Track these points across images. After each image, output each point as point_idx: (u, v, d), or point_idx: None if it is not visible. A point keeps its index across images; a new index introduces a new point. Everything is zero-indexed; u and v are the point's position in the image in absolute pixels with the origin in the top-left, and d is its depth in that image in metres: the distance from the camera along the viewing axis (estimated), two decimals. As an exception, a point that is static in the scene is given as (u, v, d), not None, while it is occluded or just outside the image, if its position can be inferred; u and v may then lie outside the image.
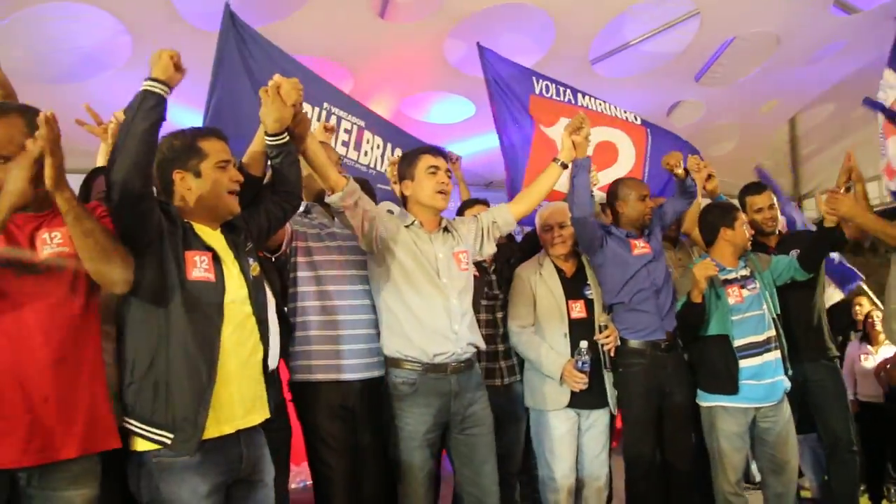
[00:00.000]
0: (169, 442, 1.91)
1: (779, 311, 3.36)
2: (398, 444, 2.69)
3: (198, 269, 2.03)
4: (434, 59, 5.68)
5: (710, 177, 3.69)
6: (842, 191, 3.35)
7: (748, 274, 3.37)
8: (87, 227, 1.85)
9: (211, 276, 2.04)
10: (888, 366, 4.96)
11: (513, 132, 4.23)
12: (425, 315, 2.68)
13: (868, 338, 5.51)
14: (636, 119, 4.53)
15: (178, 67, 1.97)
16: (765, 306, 3.30)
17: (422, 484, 2.68)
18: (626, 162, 4.42)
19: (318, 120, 3.73)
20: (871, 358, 5.38)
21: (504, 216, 2.98)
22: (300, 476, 4.82)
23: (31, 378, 1.81)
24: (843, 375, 3.89)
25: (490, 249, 3.00)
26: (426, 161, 2.80)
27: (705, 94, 6.91)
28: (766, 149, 8.09)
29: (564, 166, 3.08)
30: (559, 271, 3.34)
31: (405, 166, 2.86)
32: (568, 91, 4.38)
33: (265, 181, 2.45)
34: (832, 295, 4.84)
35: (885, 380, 4.95)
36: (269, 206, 2.37)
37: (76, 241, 1.87)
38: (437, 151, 2.86)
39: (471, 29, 5.35)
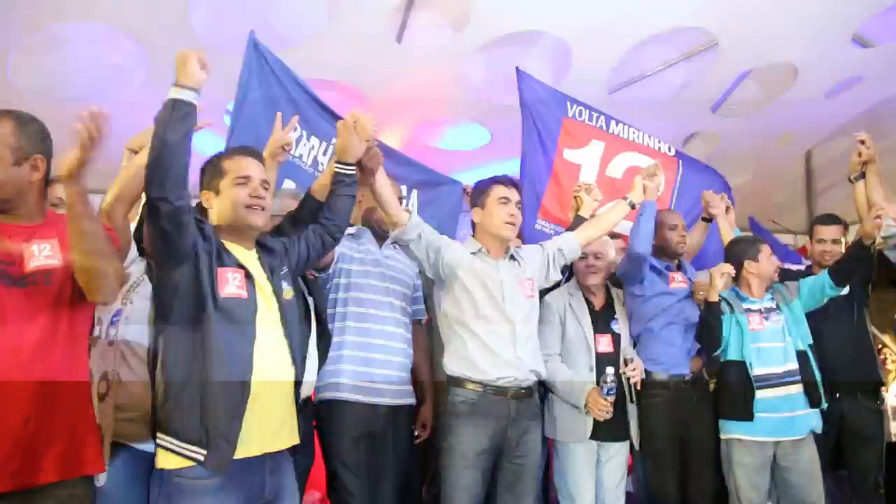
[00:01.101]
0: (202, 458, 1.88)
1: (811, 342, 3.28)
2: (448, 463, 2.67)
3: (230, 285, 2.02)
4: (450, 86, 5.67)
5: (728, 209, 3.69)
6: (853, 177, 3.44)
7: (773, 306, 3.34)
8: (87, 227, 1.83)
9: (244, 294, 2.03)
10: None
11: (538, 158, 4.20)
12: (490, 339, 2.72)
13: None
14: (670, 150, 4.50)
15: (203, 65, 1.93)
16: (788, 339, 3.24)
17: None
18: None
19: (325, 154, 3.75)
20: (890, 395, 5.28)
21: (569, 244, 3.03)
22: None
23: (13, 397, 1.75)
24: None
25: (556, 276, 3.04)
26: (498, 191, 2.86)
27: (722, 126, 6.87)
28: (780, 182, 8.03)
29: (632, 206, 3.17)
30: (589, 303, 3.32)
31: (477, 194, 2.92)
32: (602, 117, 4.38)
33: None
34: None
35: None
36: (311, 236, 2.39)
37: (73, 238, 1.83)
38: (511, 182, 2.93)
39: (488, 56, 5.35)
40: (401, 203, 2.96)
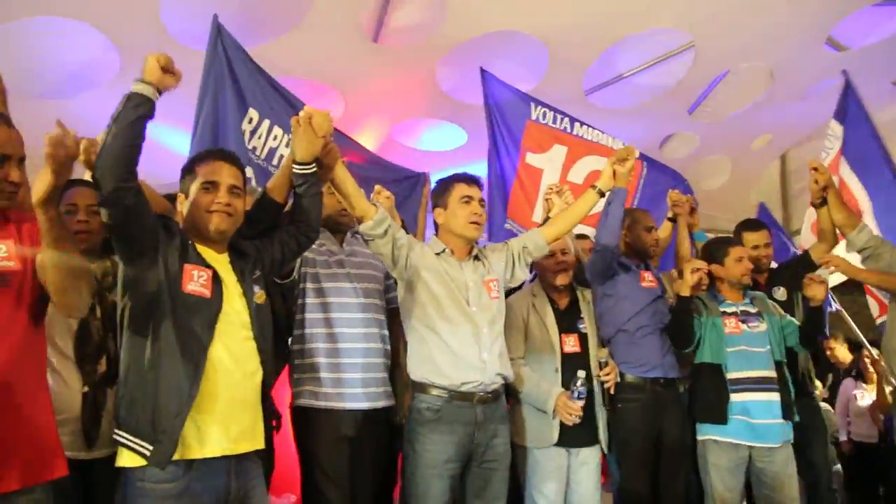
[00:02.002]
0: (148, 453, 1.85)
1: (784, 359, 3.27)
2: (415, 472, 2.60)
3: (194, 283, 1.99)
4: (427, 86, 5.65)
5: (692, 211, 3.69)
6: (818, 203, 3.49)
7: (753, 311, 3.31)
8: (63, 252, 1.82)
9: (207, 292, 2.00)
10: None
11: (504, 160, 4.22)
12: (454, 343, 2.64)
13: (862, 377, 5.46)
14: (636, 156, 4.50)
15: (169, 71, 1.94)
16: (767, 347, 3.22)
17: None
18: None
19: (287, 146, 3.70)
20: (868, 396, 5.33)
21: (535, 240, 2.92)
22: (279, 509, 4.68)
23: None
24: (833, 415, 3.85)
25: (522, 275, 2.94)
26: (460, 190, 2.78)
27: (698, 128, 6.92)
28: (757, 184, 8.10)
29: (601, 194, 3.02)
30: (553, 303, 3.26)
31: (438, 194, 2.84)
32: (566, 119, 4.38)
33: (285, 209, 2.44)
34: None
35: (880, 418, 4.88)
36: (285, 237, 2.34)
37: (49, 261, 1.82)
38: (472, 180, 2.83)
39: (464, 56, 5.33)
40: None
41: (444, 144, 6.62)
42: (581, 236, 3.69)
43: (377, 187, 3.13)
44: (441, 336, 2.64)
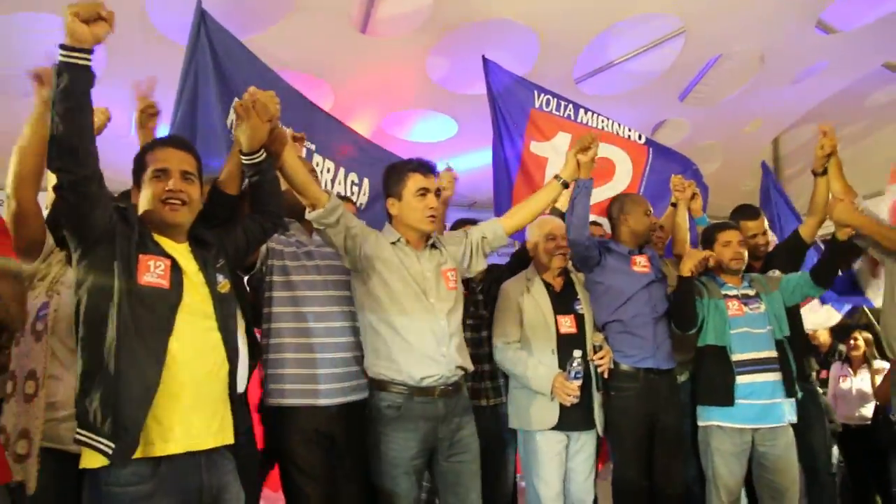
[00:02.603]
0: (110, 452, 1.78)
1: (788, 334, 3.27)
2: (381, 471, 2.56)
3: (151, 273, 1.92)
4: (417, 76, 5.61)
5: (694, 196, 3.67)
6: (819, 171, 3.42)
7: (752, 293, 3.32)
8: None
9: (164, 283, 1.93)
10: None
11: (507, 149, 4.17)
12: (412, 337, 2.57)
13: (849, 360, 5.47)
14: (640, 138, 4.47)
15: (92, 19, 1.77)
16: (769, 327, 3.23)
17: None
18: (622, 179, 4.38)
19: None
20: (851, 380, 5.35)
21: (494, 230, 2.85)
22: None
23: None
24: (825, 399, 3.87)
25: (479, 266, 2.87)
26: (415, 182, 2.65)
27: (690, 114, 6.89)
28: (749, 169, 8.07)
29: (566, 185, 2.96)
30: (548, 286, 3.24)
31: (392, 182, 2.71)
32: (570, 106, 4.34)
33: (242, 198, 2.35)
34: (829, 316, 4.80)
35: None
36: (248, 224, 2.27)
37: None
38: (428, 169, 2.71)
39: (454, 45, 5.30)
40: (355, 192, 2.82)
41: (435, 135, 6.57)
42: (593, 223, 3.66)
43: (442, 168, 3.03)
44: (398, 331, 2.56)
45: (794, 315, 3.49)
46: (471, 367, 2.75)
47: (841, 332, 5.71)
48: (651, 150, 4.51)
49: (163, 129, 3.33)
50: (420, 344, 2.57)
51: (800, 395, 3.21)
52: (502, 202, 4.14)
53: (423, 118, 6.48)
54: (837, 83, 6.53)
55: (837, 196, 3.32)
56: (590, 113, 4.40)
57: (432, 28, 5.15)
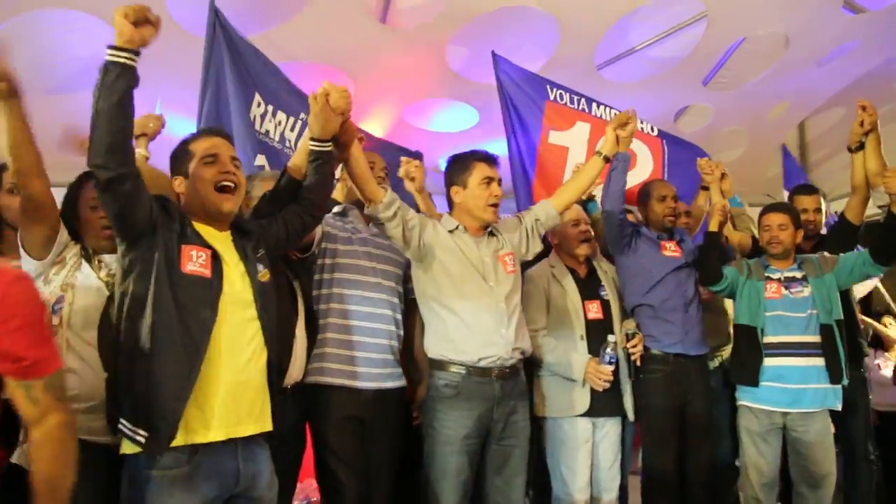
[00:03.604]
0: (143, 441, 1.81)
1: (839, 317, 3.20)
2: (434, 449, 2.62)
3: (193, 263, 1.95)
4: (437, 66, 5.59)
5: (723, 176, 3.63)
6: (854, 147, 3.35)
7: (799, 276, 3.26)
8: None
9: (206, 272, 1.96)
10: None
11: (521, 142, 4.17)
12: (471, 318, 2.64)
13: (882, 345, 5.36)
14: (652, 130, 4.45)
15: (141, 23, 1.81)
16: (811, 311, 3.17)
17: (455, 492, 2.58)
18: (643, 169, 4.35)
19: (292, 130, 3.72)
20: (891, 364, 5.23)
21: (547, 211, 2.93)
22: (303, 493, 4.70)
23: None
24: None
25: (536, 248, 2.95)
26: (481, 171, 2.76)
27: (714, 99, 6.80)
28: (775, 155, 7.96)
29: (607, 160, 3.04)
30: (572, 272, 3.25)
31: (457, 171, 2.81)
32: (583, 100, 4.33)
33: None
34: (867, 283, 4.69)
35: None
36: (289, 216, 2.32)
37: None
38: (492, 160, 2.81)
39: (474, 34, 5.27)
40: (384, 181, 2.88)
41: (455, 125, 6.55)
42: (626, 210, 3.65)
43: (404, 158, 3.11)
44: (458, 313, 2.63)
45: (845, 298, 3.40)
46: (530, 350, 2.82)
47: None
48: (664, 141, 4.49)
49: (189, 126, 3.38)
50: (478, 325, 2.64)
51: (846, 381, 3.15)
52: (521, 194, 4.15)
53: (444, 108, 6.46)
54: (865, 65, 6.40)
55: (873, 174, 3.25)
56: (603, 106, 4.39)
57: (452, 17, 5.13)
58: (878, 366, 5.33)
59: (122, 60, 1.79)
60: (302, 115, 3.79)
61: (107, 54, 1.80)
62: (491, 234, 2.83)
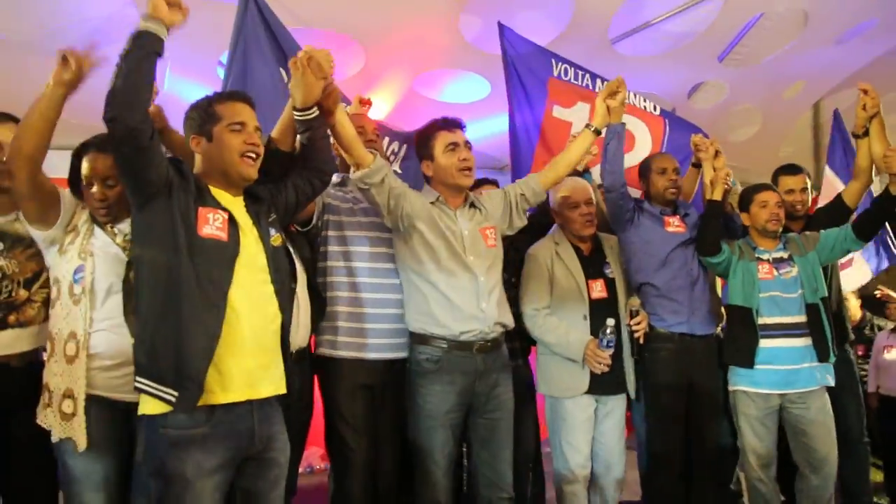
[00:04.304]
0: (174, 400, 1.84)
1: (825, 294, 3.22)
2: (417, 423, 2.63)
3: (210, 226, 1.97)
4: (449, 35, 5.51)
5: (717, 154, 3.60)
6: (860, 132, 3.31)
7: (785, 257, 3.27)
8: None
9: (223, 236, 1.98)
10: None
11: (525, 115, 4.14)
12: (451, 292, 2.62)
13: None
14: (655, 109, 4.41)
15: (174, 4, 1.91)
16: (800, 291, 3.19)
17: (440, 466, 2.61)
18: (642, 149, 4.31)
19: None
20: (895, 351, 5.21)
21: (532, 187, 2.89)
22: (306, 461, 4.76)
23: None
24: (860, 367, 3.79)
25: (520, 223, 2.92)
26: (444, 138, 2.72)
27: (729, 76, 6.71)
28: (788, 135, 7.88)
29: (598, 133, 2.99)
30: (577, 250, 3.21)
31: (422, 145, 2.77)
32: (587, 76, 4.29)
33: (295, 155, 2.40)
34: (862, 274, 4.68)
35: None
36: (298, 181, 2.32)
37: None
38: (454, 124, 2.76)
39: (488, 4, 5.20)
40: (375, 143, 2.84)
41: (467, 96, 6.49)
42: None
43: (357, 96, 3.12)
44: (437, 287, 2.61)
45: (832, 277, 3.42)
46: (511, 324, 2.80)
47: (874, 305, 5.56)
48: (667, 120, 4.46)
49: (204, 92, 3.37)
50: (459, 300, 2.62)
51: (833, 358, 3.16)
52: (521, 166, 4.13)
53: (455, 78, 6.40)
54: (885, 44, 6.29)
55: (878, 157, 3.22)
56: (606, 83, 4.34)
57: (466, -15, 5.05)
58: (883, 349, 5.32)
59: (154, 31, 1.87)
60: None
61: (140, 23, 1.87)
62: (472, 206, 2.79)
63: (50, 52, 4.66)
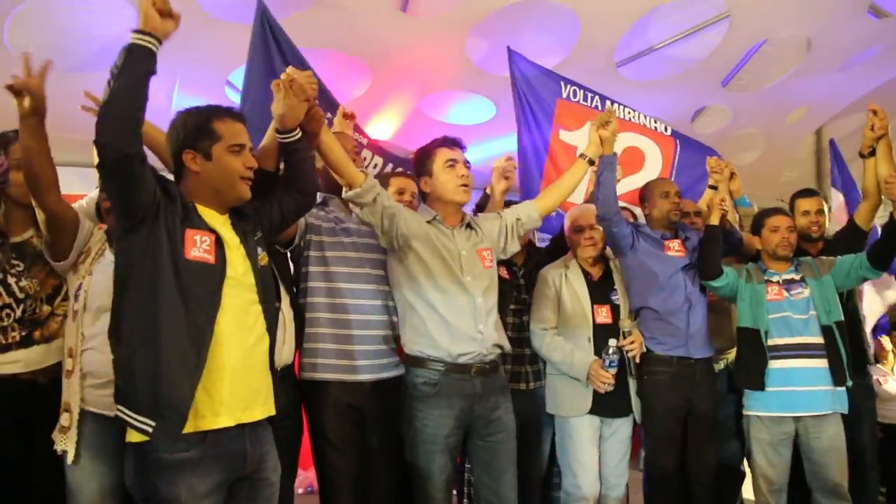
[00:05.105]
0: (150, 430, 1.77)
1: (839, 319, 3.18)
2: (417, 448, 2.58)
3: (197, 248, 1.90)
4: (456, 57, 5.57)
5: (732, 176, 3.61)
6: (866, 152, 3.30)
7: (797, 278, 3.25)
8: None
9: (210, 258, 1.92)
10: None
11: (534, 137, 4.17)
12: (449, 314, 2.57)
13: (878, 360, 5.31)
14: (666, 129, 4.44)
15: (165, 14, 1.82)
16: (812, 312, 3.16)
17: (440, 489, 2.56)
18: (652, 169, 4.33)
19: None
20: (891, 380, 5.20)
21: (528, 212, 2.88)
22: (307, 481, 4.72)
23: None
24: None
25: (514, 247, 2.88)
26: (443, 155, 2.70)
27: (732, 101, 6.75)
28: (790, 160, 7.91)
29: (591, 163, 3.00)
30: (586, 275, 3.23)
31: (422, 162, 2.76)
32: (596, 97, 4.32)
33: (279, 175, 2.36)
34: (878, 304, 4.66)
35: None
36: (284, 200, 2.27)
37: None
38: (454, 143, 2.75)
39: (494, 26, 5.25)
40: (357, 161, 2.84)
41: (472, 118, 6.53)
42: (623, 209, 3.64)
43: (507, 154, 3.12)
44: (435, 307, 2.57)
45: (849, 301, 3.39)
46: (508, 347, 2.76)
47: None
48: (678, 141, 4.48)
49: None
50: (457, 321, 2.58)
51: (849, 383, 3.12)
52: (529, 189, 4.15)
53: (461, 100, 6.44)
54: (888, 71, 6.34)
55: (885, 179, 3.20)
56: (616, 104, 4.37)
57: (472, 8, 5.11)
58: (879, 381, 5.30)
59: (147, 44, 1.79)
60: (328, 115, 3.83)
61: (131, 37, 1.79)
62: (469, 226, 2.77)
63: (58, 69, 4.70)
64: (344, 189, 2.51)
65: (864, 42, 5.92)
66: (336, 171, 2.48)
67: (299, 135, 2.25)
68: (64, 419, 2.21)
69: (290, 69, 2.24)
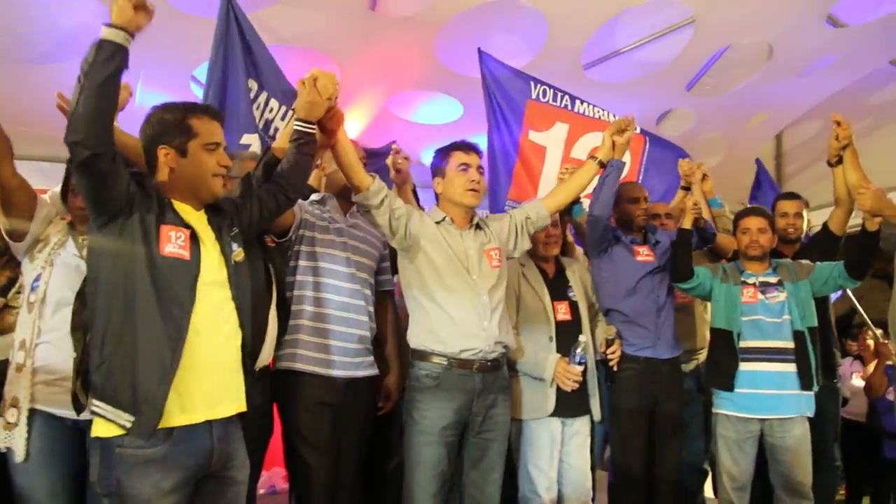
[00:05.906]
0: (129, 425, 1.79)
1: (813, 324, 3.26)
2: (411, 438, 2.63)
3: (172, 244, 1.92)
4: (424, 57, 5.56)
5: (704, 177, 3.69)
6: (834, 161, 3.41)
7: (773, 281, 3.31)
8: None
9: (185, 254, 1.93)
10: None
11: (504, 138, 4.21)
12: (454, 310, 2.65)
13: (861, 358, 5.43)
14: (636, 129, 4.49)
15: (141, 7, 1.81)
16: (786, 317, 3.22)
17: (430, 481, 2.59)
18: (620, 169, 4.37)
19: (283, 119, 3.75)
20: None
21: (538, 211, 2.95)
22: (269, 482, 4.70)
23: None
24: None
25: (525, 245, 2.97)
26: (457, 158, 2.79)
27: (696, 104, 6.86)
28: (751, 164, 8.04)
29: (602, 165, 3.06)
30: (542, 272, 3.26)
31: (436, 163, 2.84)
32: (566, 97, 4.38)
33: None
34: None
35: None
36: (264, 196, 2.29)
37: None
38: (470, 147, 2.84)
39: (463, 26, 5.26)
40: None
41: (439, 118, 6.54)
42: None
43: (395, 147, 3.14)
44: (441, 305, 2.65)
45: (821, 306, 3.46)
46: (513, 344, 2.84)
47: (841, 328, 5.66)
48: (647, 139, 4.55)
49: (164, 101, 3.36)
50: (461, 318, 2.65)
51: (816, 388, 3.19)
52: (499, 187, 4.19)
53: (429, 100, 6.44)
54: (844, 79, 6.50)
55: (853, 187, 3.30)
56: (586, 103, 4.44)
57: (440, 8, 5.11)
58: (851, 375, 5.42)
59: (118, 41, 1.78)
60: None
61: (103, 32, 1.77)
62: (478, 227, 2.85)
63: (19, 59, 4.61)
64: (353, 192, 2.61)
65: (822, 50, 6.05)
66: (347, 172, 2.57)
67: (314, 129, 2.32)
68: (10, 415, 2.16)
69: (314, 69, 2.32)
